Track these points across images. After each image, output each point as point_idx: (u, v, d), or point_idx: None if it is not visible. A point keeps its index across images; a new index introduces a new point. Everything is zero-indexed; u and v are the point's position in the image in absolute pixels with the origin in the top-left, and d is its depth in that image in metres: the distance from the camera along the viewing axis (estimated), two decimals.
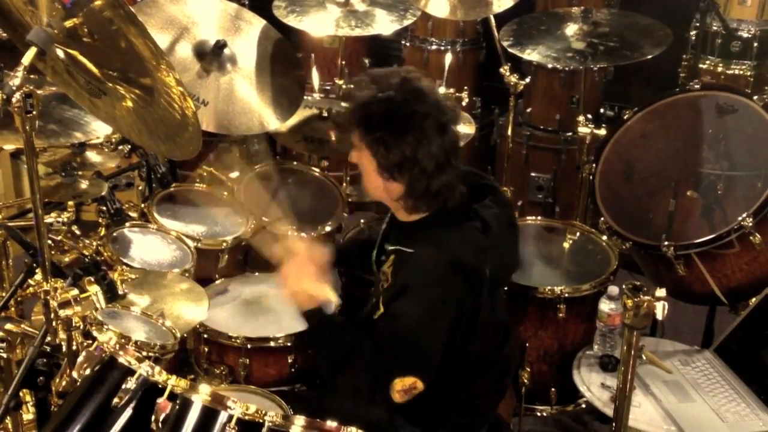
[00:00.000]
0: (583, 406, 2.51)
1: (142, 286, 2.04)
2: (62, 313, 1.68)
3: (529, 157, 3.74)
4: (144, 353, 1.59)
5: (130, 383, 1.44)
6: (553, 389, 2.47)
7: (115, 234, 2.35)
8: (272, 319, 2.28)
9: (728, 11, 3.32)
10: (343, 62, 3.38)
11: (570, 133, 3.58)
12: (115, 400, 1.44)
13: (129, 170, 2.89)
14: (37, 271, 1.93)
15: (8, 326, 2.04)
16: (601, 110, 3.60)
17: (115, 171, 2.83)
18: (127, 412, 1.44)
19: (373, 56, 4.23)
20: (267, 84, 2.65)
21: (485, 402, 1.96)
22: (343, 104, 2.91)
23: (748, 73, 3.27)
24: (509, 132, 3.14)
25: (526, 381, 2.38)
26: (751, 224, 2.22)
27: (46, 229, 1.78)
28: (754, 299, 2.31)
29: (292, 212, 2.69)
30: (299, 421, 1.41)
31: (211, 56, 2.58)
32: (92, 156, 2.50)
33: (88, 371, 1.52)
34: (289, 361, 2.19)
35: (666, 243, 2.31)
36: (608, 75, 3.71)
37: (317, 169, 2.96)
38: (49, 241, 2.27)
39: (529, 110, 3.77)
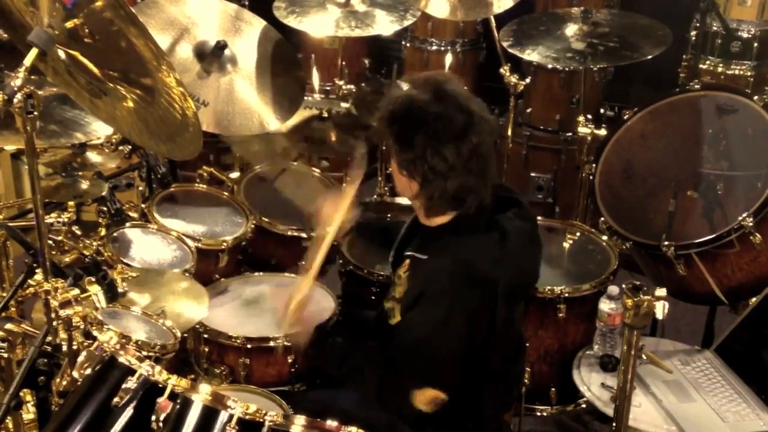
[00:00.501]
0: (584, 406, 2.51)
1: (142, 284, 2.04)
2: (63, 312, 1.68)
3: (529, 157, 3.74)
4: (144, 353, 1.59)
5: (131, 383, 1.44)
6: (553, 389, 2.47)
7: (115, 234, 2.35)
8: (272, 319, 2.27)
9: (728, 11, 3.32)
10: (343, 63, 3.38)
11: (570, 134, 3.59)
12: (116, 399, 1.44)
13: (129, 170, 2.89)
14: (37, 271, 1.93)
15: (9, 326, 2.04)
16: (601, 110, 3.60)
17: (115, 171, 2.84)
18: (128, 412, 1.45)
19: (373, 57, 4.24)
20: (267, 84, 2.66)
21: (490, 415, 1.95)
22: (344, 105, 2.94)
23: (748, 74, 3.28)
24: (509, 132, 3.14)
25: (526, 381, 2.38)
26: (751, 224, 2.22)
27: (47, 229, 1.78)
28: (754, 299, 2.31)
29: (292, 213, 2.69)
30: (299, 420, 1.42)
31: (212, 57, 2.59)
32: (93, 156, 2.50)
33: (88, 371, 1.52)
34: (289, 361, 2.19)
35: (666, 243, 2.31)
36: (608, 75, 3.72)
37: (317, 170, 2.96)
38: (50, 242, 2.27)
39: (529, 110, 3.78)
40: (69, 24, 1.63)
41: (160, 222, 2.49)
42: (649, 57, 2.83)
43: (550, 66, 3.42)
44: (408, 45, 4.06)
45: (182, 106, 1.71)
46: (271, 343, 2.17)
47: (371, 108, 2.60)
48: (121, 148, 2.54)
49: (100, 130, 2.31)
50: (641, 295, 1.52)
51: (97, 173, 2.49)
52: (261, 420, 1.40)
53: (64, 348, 1.74)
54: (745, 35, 3.27)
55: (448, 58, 3.51)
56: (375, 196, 3.02)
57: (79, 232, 2.53)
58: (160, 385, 1.44)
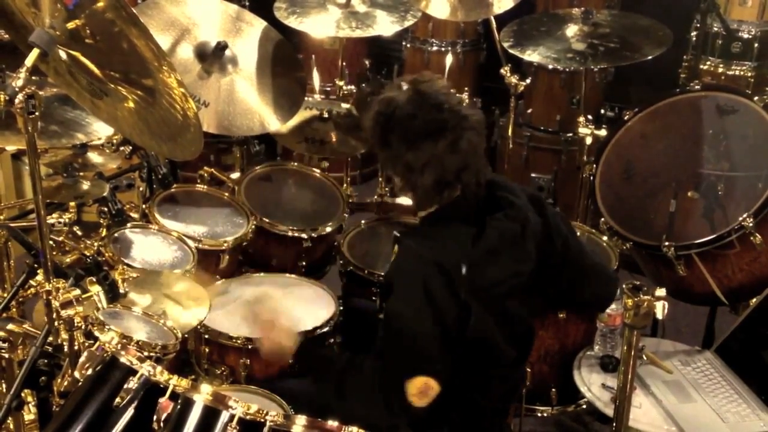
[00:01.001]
0: (584, 406, 2.51)
1: (143, 285, 2.04)
2: (64, 313, 1.68)
3: (529, 157, 3.75)
4: (145, 353, 1.59)
5: (132, 383, 1.45)
6: (553, 390, 2.47)
7: (116, 235, 2.35)
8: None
9: (729, 12, 3.33)
10: (344, 63, 3.38)
11: (570, 134, 3.59)
12: (117, 399, 1.44)
13: (130, 171, 2.90)
14: (38, 271, 1.93)
15: (10, 326, 2.04)
16: (602, 111, 3.61)
17: (116, 172, 2.84)
18: (129, 412, 1.45)
19: (374, 57, 4.24)
20: (268, 85, 2.66)
21: (486, 419, 1.95)
22: (344, 105, 2.95)
23: (749, 74, 3.28)
24: (510, 133, 3.15)
25: (526, 381, 2.38)
26: (751, 224, 2.22)
27: (48, 229, 1.78)
28: (754, 299, 2.31)
29: (292, 213, 2.70)
30: (300, 420, 1.42)
31: (212, 57, 2.59)
32: (94, 157, 2.50)
33: (89, 371, 1.52)
34: (290, 361, 2.19)
35: (666, 243, 2.31)
36: (609, 76, 3.72)
37: (318, 170, 2.97)
38: (51, 242, 2.27)
39: (529, 111, 3.78)
40: (70, 25, 1.63)
41: (160, 222, 2.50)
42: (650, 57, 2.83)
43: (550, 66, 3.43)
44: (408, 46, 4.06)
45: (183, 107, 1.71)
46: None
47: None
48: (122, 148, 2.54)
49: (101, 130, 2.31)
50: (641, 295, 1.52)
51: (98, 174, 2.49)
52: (262, 420, 1.41)
53: (66, 348, 1.75)
54: (745, 36, 3.27)
55: (449, 59, 3.51)
56: (375, 197, 3.02)
57: (80, 233, 2.53)
58: (162, 386, 1.45)
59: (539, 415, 2.52)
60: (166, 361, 1.72)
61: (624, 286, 1.58)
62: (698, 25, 3.26)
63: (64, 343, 1.75)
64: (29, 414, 2.19)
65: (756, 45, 3.26)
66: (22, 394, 1.88)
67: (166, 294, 2.07)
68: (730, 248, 2.27)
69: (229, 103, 2.57)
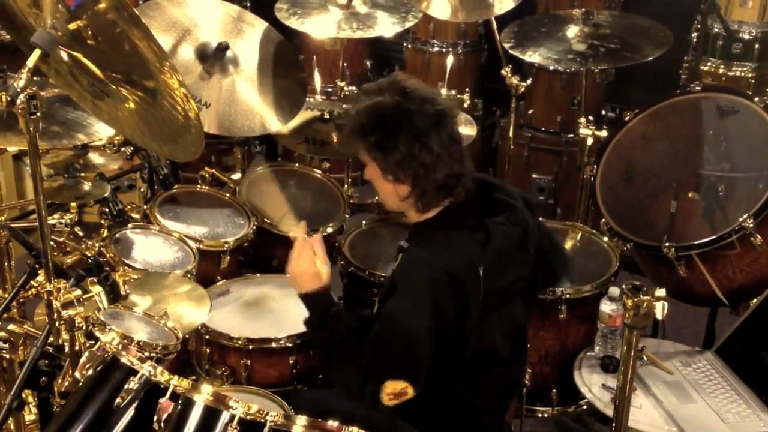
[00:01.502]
0: (585, 407, 2.51)
1: (144, 287, 2.05)
2: (65, 313, 1.68)
3: (530, 158, 3.75)
4: (146, 354, 1.60)
5: (133, 383, 1.45)
6: (554, 390, 2.47)
7: (117, 235, 2.36)
8: (274, 320, 2.28)
9: (729, 13, 3.33)
10: (345, 64, 3.39)
11: (571, 135, 3.59)
12: (118, 400, 1.44)
13: (131, 172, 2.89)
14: (39, 272, 1.94)
15: (11, 327, 2.04)
16: (602, 112, 3.62)
17: (117, 173, 2.84)
18: (130, 412, 1.45)
19: (375, 58, 4.25)
20: (269, 86, 2.66)
21: (484, 418, 1.95)
22: (345, 106, 2.95)
23: (749, 75, 3.28)
24: (511, 134, 3.15)
25: (527, 382, 2.39)
26: (752, 225, 2.22)
27: (49, 230, 1.78)
28: (755, 300, 2.31)
29: (293, 214, 2.70)
30: (301, 420, 1.42)
31: (213, 58, 2.59)
32: (95, 158, 2.50)
33: (90, 371, 1.53)
34: (291, 362, 2.20)
35: (667, 244, 2.31)
36: (609, 77, 3.73)
37: (319, 171, 2.97)
38: (52, 243, 2.27)
39: (530, 112, 3.78)
40: (72, 26, 1.64)
41: (162, 223, 2.50)
42: (650, 58, 2.83)
43: (551, 67, 3.43)
44: (409, 46, 4.06)
45: (184, 108, 1.71)
46: (273, 344, 2.18)
47: None
48: (123, 149, 2.55)
49: (102, 131, 2.32)
50: (641, 296, 1.52)
51: (99, 174, 2.49)
52: (262, 420, 1.41)
53: (66, 349, 1.75)
54: (746, 37, 3.27)
55: (450, 60, 3.51)
56: (376, 198, 3.02)
57: (81, 233, 2.53)
58: (162, 386, 1.45)
59: (540, 415, 2.52)
60: (166, 362, 1.72)
61: (624, 286, 1.58)
62: (699, 26, 3.26)
63: (65, 344, 1.75)
64: (30, 414, 2.19)
65: (757, 46, 3.26)
66: (23, 395, 1.88)
67: (167, 295, 2.08)
68: (730, 249, 2.27)
69: (230, 104, 2.57)
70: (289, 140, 2.88)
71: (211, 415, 1.42)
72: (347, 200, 2.88)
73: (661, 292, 1.54)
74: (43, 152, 2.42)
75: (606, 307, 2.22)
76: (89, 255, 2.34)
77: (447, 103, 1.80)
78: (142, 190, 2.79)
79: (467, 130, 2.88)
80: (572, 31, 3.01)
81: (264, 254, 2.69)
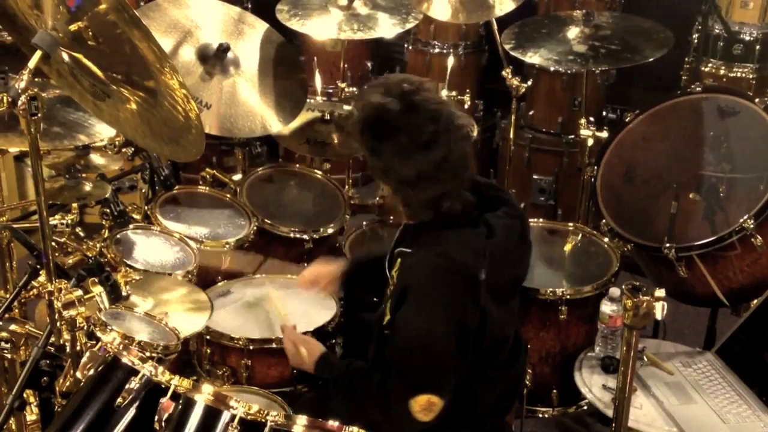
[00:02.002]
0: (585, 407, 2.51)
1: (145, 290, 2.05)
2: (66, 314, 1.69)
3: (531, 159, 3.74)
4: (147, 354, 1.60)
5: (134, 383, 1.45)
6: (554, 391, 2.48)
7: (118, 236, 2.36)
8: (274, 320, 2.28)
9: (730, 14, 3.32)
10: (346, 65, 3.39)
11: (572, 136, 3.59)
12: (119, 400, 1.45)
13: (132, 173, 2.90)
14: (41, 272, 1.94)
15: (12, 327, 2.05)
16: (603, 113, 3.61)
17: (118, 173, 2.85)
18: (131, 412, 1.46)
19: (376, 59, 4.25)
20: (270, 87, 2.67)
21: (486, 419, 1.95)
22: (346, 107, 2.95)
23: (750, 76, 3.28)
24: (511, 135, 3.15)
25: (527, 383, 2.39)
26: (752, 226, 2.22)
27: (50, 230, 1.79)
28: (755, 301, 2.31)
29: (294, 215, 2.70)
30: (301, 420, 1.42)
31: (214, 59, 2.60)
32: (96, 158, 2.51)
33: (91, 371, 1.53)
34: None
35: (667, 245, 2.31)
36: (610, 78, 3.72)
37: (319, 172, 2.97)
38: (53, 243, 2.28)
39: (531, 113, 3.78)
40: (73, 27, 1.64)
41: (163, 224, 2.50)
42: (651, 59, 2.83)
43: (552, 68, 3.42)
44: (410, 48, 4.06)
45: (185, 109, 1.72)
46: (273, 345, 2.18)
47: None
48: (124, 150, 2.55)
49: (103, 132, 2.32)
50: (640, 296, 1.52)
51: (101, 175, 2.50)
52: (263, 420, 1.41)
53: (68, 349, 1.75)
54: (747, 38, 3.27)
55: (451, 61, 3.51)
56: (377, 198, 3.03)
57: (82, 234, 2.54)
58: (163, 386, 1.45)
59: (540, 416, 2.52)
60: (167, 362, 1.73)
61: (623, 286, 1.58)
62: (699, 27, 3.26)
63: (66, 344, 1.76)
64: (31, 414, 2.20)
65: (757, 47, 3.26)
66: (25, 395, 1.89)
67: (168, 299, 2.08)
68: (731, 250, 2.27)
69: (231, 105, 2.58)
70: (289, 141, 2.89)
71: (211, 415, 1.42)
72: (348, 201, 2.88)
73: (660, 292, 1.54)
74: (45, 153, 2.43)
75: (606, 307, 2.22)
76: (90, 255, 2.34)
77: (455, 123, 1.71)
78: (143, 190, 2.79)
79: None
80: (573, 32, 3.01)
81: (265, 255, 2.70)
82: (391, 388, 1.71)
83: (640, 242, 2.43)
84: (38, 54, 1.62)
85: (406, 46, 4.08)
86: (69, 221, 2.41)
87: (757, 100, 2.45)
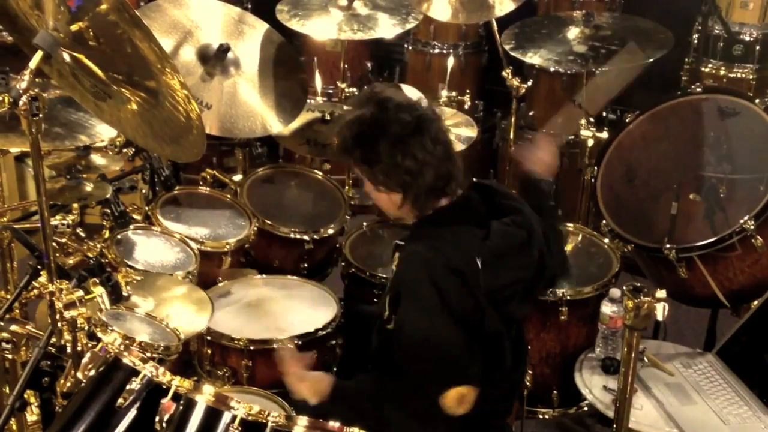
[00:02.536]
0: (585, 408, 2.51)
1: (146, 290, 2.05)
2: (67, 314, 1.69)
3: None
4: (148, 354, 1.60)
5: (135, 384, 1.46)
6: (555, 392, 2.48)
7: (119, 236, 2.36)
8: (275, 321, 2.28)
9: (730, 15, 3.33)
10: (346, 66, 3.39)
11: (572, 137, 3.59)
12: (120, 400, 1.45)
13: (133, 173, 2.91)
14: (41, 273, 1.94)
15: (13, 328, 2.05)
16: (603, 113, 3.61)
17: (119, 174, 2.85)
18: (132, 413, 1.46)
19: (376, 60, 4.25)
20: (270, 87, 2.67)
21: (487, 420, 1.94)
22: (346, 108, 2.95)
23: (750, 77, 3.28)
24: (511, 135, 3.15)
25: (528, 383, 2.39)
26: (753, 227, 2.23)
27: (51, 231, 1.79)
28: (756, 302, 2.31)
29: (294, 215, 2.70)
30: (302, 421, 1.42)
31: (215, 60, 2.60)
32: (96, 159, 2.51)
33: (92, 372, 1.53)
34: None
35: (668, 245, 2.32)
36: None
37: (320, 172, 2.97)
38: (54, 244, 2.28)
39: (531, 113, 3.78)
40: (74, 27, 1.64)
41: (163, 224, 2.50)
42: (651, 60, 2.83)
43: (552, 69, 3.42)
44: (410, 48, 4.06)
45: (186, 109, 1.72)
46: (274, 345, 2.18)
47: None
48: (124, 150, 2.55)
49: (104, 132, 2.32)
50: (641, 297, 1.53)
51: (101, 176, 2.50)
52: (264, 421, 1.41)
53: (69, 349, 1.75)
54: (747, 38, 3.27)
55: (450, 61, 3.51)
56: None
57: (83, 235, 2.54)
58: (164, 386, 1.45)
59: (540, 417, 2.52)
60: (168, 363, 1.73)
61: (624, 287, 1.59)
62: (699, 28, 3.26)
63: (67, 345, 1.75)
64: (32, 415, 2.20)
65: (757, 48, 3.26)
66: (26, 395, 1.89)
67: (169, 299, 2.08)
68: (731, 251, 2.27)
69: (232, 106, 2.58)
70: (290, 142, 2.89)
71: (212, 415, 1.43)
72: (348, 201, 2.88)
73: (661, 293, 1.54)
74: (45, 153, 2.43)
75: (607, 308, 2.22)
76: (91, 256, 2.34)
77: (426, 108, 1.80)
78: (143, 191, 2.79)
79: (468, 131, 2.88)
80: (573, 32, 3.02)
81: (265, 255, 2.70)
82: (416, 392, 1.70)
83: (640, 243, 2.43)
84: (39, 54, 1.62)
85: (406, 46, 4.09)
86: (70, 222, 2.41)
87: (757, 100, 2.45)
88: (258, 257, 2.69)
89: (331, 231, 2.72)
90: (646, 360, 2.23)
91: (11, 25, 1.80)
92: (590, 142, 2.79)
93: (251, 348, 2.18)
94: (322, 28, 3.03)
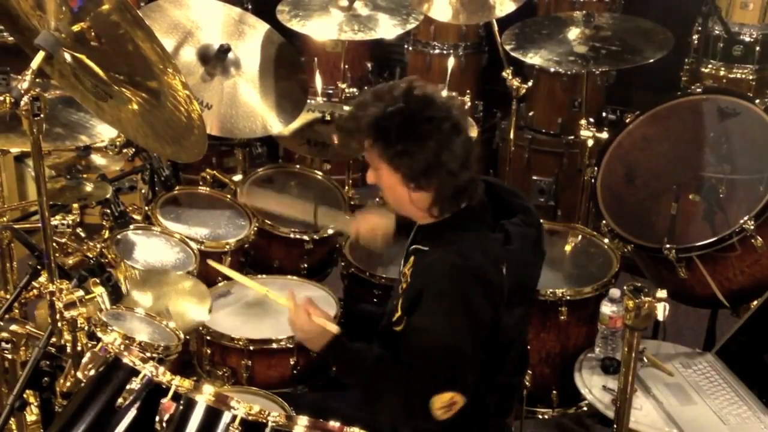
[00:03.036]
0: (585, 408, 2.51)
1: (145, 284, 2.05)
2: (67, 314, 1.69)
3: (531, 160, 3.75)
4: (148, 354, 1.60)
5: (135, 383, 1.46)
6: (554, 392, 2.48)
7: (119, 236, 2.36)
8: (274, 320, 2.28)
9: (730, 15, 3.33)
10: (346, 66, 3.40)
11: (572, 137, 3.60)
12: (120, 400, 1.45)
13: (133, 173, 2.91)
14: (41, 272, 1.94)
15: (13, 327, 2.05)
16: (603, 114, 3.62)
17: (119, 174, 2.85)
18: (132, 413, 1.46)
19: (376, 60, 4.25)
20: (270, 88, 2.67)
21: (487, 421, 1.94)
22: (347, 111, 2.95)
23: (750, 77, 3.29)
24: (511, 135, 3.15)
25: (527, 383, 2.39)
26: (752, 227, 2.23)
27: (51, 231, 1.79)
28: (755, 302, 2.31)
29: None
30: (302, 421, 1.42)
31: (215, 60, 2.60)
32: (97, 159, 2.51)
33: (92, 372, 1.53)
34: (291, 362, 2.20)
35: (668, 246, 2.32)
36: (610, 79, 3.73)
37: (320, 172, 2.97)
38: (54, 244, 2.28)
39: (531, 114, 3.79)
40: (75, 27, 1.64)
41: (163, 224, 2.50)
42: (651, 60, 2.84)
43: (552, 69, 3.43)
44: (410, 48, 4.07)
45: (187, 109, 1.72)
46: (274, 345, 2.18)
47: None
48: (125, 151, 2.56)
49: (104, 132, 2.33)
50: (642, 297, 1.53)
51: (101, 176, 2.50)
52: (264, 420, 1.41)
53: (68, 349, 1.75)
54: (747, 39, 3.28)
55: (451, 62, 3.51)
56: (377, 199, 3.02)
57: (82, 235, 2.54)
58: (164, 386, 1.45)
59: (540, 417, 2.52)
60: (168, 362, 1.73)
61: (625, 287, 1.59)
62: (699, 28, 3.27)
63: (67, 344, 1.76)
64: (32, 415, 2.20)
65: (757, 48, 3.26)
66: (25, 395, 1.89)
67: (169, 293, 2.08)
68: (731, 251, 2.27)
69: (232, 106, 2.58)
70: (290, 142, 2.89)
71: (213, 415, 1.43)
72: (348, 202, 2.88)
73: (662, 293, 1.54)
74: (46, 153, 2.43)
75: (606, 308, 2.22)
76: (91, 256, 2.35)
77: (460, 107, 1.79)
78: (143, 191, 2.79)
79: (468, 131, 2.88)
80: (573, 33, 3.02)
81: (265, 255, 2.70)
82: (412, 386, 1.70)
83: (640, 243, 2.43)
84: (41, 55, 1.62)
85: (406, 47, 4.09)
86: (70, 222, 2.42)
87: (757, 101, 2.45)
88: (258, 257, 2.69)
89: (330, 231, 2.72)
90: (645, 360, 2.23)
91: (13, 26, 1.80)
92: (590, 143, 2.80)
93: (251, 348, 2.18)
94: (323, 28, 3.04)
